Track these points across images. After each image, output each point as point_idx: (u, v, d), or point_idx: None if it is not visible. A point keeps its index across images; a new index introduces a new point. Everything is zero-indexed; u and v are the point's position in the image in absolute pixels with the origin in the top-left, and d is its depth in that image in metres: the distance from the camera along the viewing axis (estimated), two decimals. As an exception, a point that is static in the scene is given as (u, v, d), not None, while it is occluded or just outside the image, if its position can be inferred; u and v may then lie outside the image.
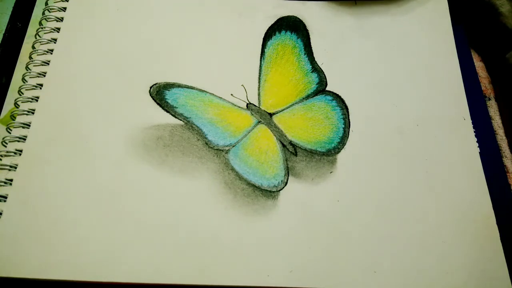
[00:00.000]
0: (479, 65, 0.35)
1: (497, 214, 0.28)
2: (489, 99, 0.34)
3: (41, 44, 0.33)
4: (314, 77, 0.32)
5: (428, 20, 0.35)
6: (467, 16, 0.36)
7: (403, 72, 0.33)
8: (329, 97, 0.32)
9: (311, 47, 0.33)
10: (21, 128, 0.30)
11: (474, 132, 0.31)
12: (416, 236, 0.28)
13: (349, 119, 0.31)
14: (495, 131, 0.32)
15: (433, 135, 0.31)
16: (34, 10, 0.35)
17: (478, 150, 0.30)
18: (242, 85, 0.32)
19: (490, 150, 0.31)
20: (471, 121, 0.31)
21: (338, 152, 0.30)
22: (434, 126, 0.31)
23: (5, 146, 0.29)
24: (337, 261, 0.27)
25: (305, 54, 0.33)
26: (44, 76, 0.31)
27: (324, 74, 0.33)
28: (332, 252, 0.27)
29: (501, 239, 0.28)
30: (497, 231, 0.28)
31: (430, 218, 0.28)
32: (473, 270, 0.27)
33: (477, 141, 0.31)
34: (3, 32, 0.34)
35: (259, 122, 0.31)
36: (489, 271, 0.27)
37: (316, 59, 0.33)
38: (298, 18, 0.34)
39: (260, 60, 0.33)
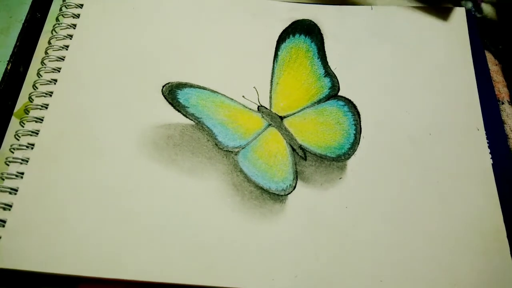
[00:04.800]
0: (494, 69, 0.35)
1: (507, 227, 0.28)
2: (502, 103, 0.33)
3: (57, 40, 0.33)
4: (326, 82, 0.32)
5: (444, 27, 0.35)
6: (485, 21, 0.36)
7: (417, 79, 0.33)
8: (341, 102, 0.32)
9: (324, 51, 0.33)
10: (34, 122, 0.30)
11: (488, 142, 0.31)
12: (424, 246, 0.27)
13: (360, 125, 0.31)
14: (507, 135, 0.32)
15: (446, 145, 0.30)
16: (51, 6, 0.35)
17: (491, 161, 0.30)
18: (254, 87, 0.32)
19: (504, 162, 0.30)
20: (484, 132, 0.31)
21: (348, 158, 0.30)
22: (446, 135, 0.31)
23: (18, 140, 0.29)
24: (343, 268, 0.27)
25: (318, 58, 0.33)
26: (59, 71, 0.32)
27: (337, 79, 0.32)
28: (338, 258, 0.27)
29: (511, 253, 0.27)
30: (507, 244, 0.28)
31: (438, 229, 0.28)
32: (481, 283, 0.27)
33: (490, 152, 0.30)
34: (23, 21, 0.34)
35: (270, 125, 0.31)
36: (498, 285, 0.27)
37: (329, 64, 0.33)
38: (313, 22, 0.34)
39: (273, 63, 0.33)
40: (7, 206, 0.27)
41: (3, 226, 0.27)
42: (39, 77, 0.32)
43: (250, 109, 0.31)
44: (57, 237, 0.27)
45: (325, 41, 0.34)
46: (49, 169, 0.28)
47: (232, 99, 0.31)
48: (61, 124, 0.30)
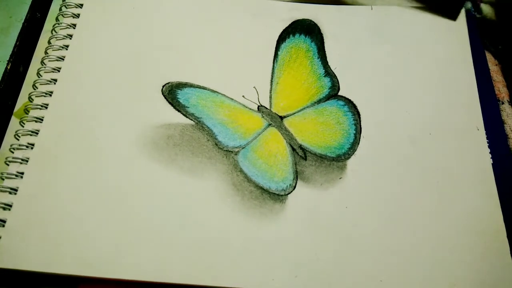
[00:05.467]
0: (494, 69, 0.35)
1: (507, 227, 0.28)
2: (502, 103, 0.33)
3: (56, 40, 0.33)
4: (326, 82, 0.32)
5: (444, 27, 0.35)
6: (485, 21, 0.36)
7: (417, 79, 0.33)
8: (341, 102, 0.32)
9: (324, 51, 0.33)
10: (34, 122, 0.30)
11: (488, 142, 0.31)
12: (424, 247, 0.27)
13: (360, 125, 0.31)
14: (507, 135, 0.32)
15: (446, 145, 0.30)
16: (51, 6, 0.35)
17: (491, 161, 0.30)
18: (254, 87, 0.32)
19: (504, 162, 0.31)
20: (484, 131, 0.31)
21: (348, 158, 0.30)
22: (446, 135, 0.31)
23: (18, 139, 0.29)
24: (343, 268, 0.27)
25: (318, 58, 0.33)
26: (59, 71, 0.32)
27: (337, 79, 0.32)
28: (338, 258, 0.27)
29: (511, 253, 0.27)
30: (507, 244, 0.28)
31: (438, 229, 0.28)
32: (481, 283, 0.27)
33: (490, 152, 0.30)
34: (22, 21, 0.34)
35: (270, 124, 0.31)
36: (498, 285, 0.27)
37: (329, 63, 0.33)
38: (313, 22, 0.34)
39: (273, 63, 0.33)
40: (7, 206, 0.27)
41: (3, 226, 0.27)
42: (39, 77, 0.32)
43: (250, 109, 0.31)
44: (57, 237, 0.27)
45: (325, 41, 0.34)
46: (49, 169, 0.28)
47: (232, 99, 0.31)
48: (61, 124, 0.30)
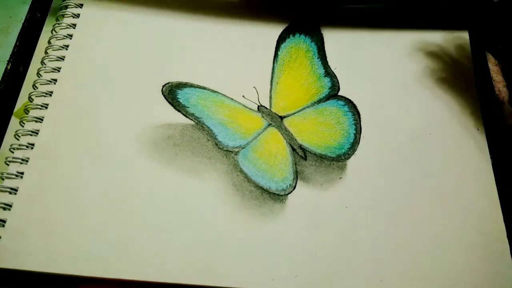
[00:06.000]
0: (494, 69, 0.35)
1: (507, 227, 0.28)
2: (503, 103, 0.33)
3: (57, 40, 0.33)
4: (326, 82, 0.32)
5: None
6: (483, 19, 0.36)
7: (417, 79, 0.33)
8: (341, 102, 0.32)
9: (325, 51, 0.33)
10: (34, 122, 0.30)
11: (488, 142, 0.31)
12: (424, 246, 0.27)
13: (360, 125, 0.31)
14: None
15: (446, 145, 0.30)
16: (51, 6, 0.35)
17: (490, 161, 0.30)
18: (254, 87, 0.32)
19: (504, 162, 0.31)
20: (484, 131, 0.31)
21: (348, 158, 0.30)
22: (447, 135, 0.31)
23: (18, 139, 0.29)
24: (343, 268, 0.27)
25: (318, 58, 0.33)
26: (59, 71, 0.32)
27: (337, 79, 0.32)
28: (338, 258, 0.27)
29: (511, 253, 0.27)
30: (507, 244, 0.28)
31: (439, 229, 0.28)
32: (481, 283, 0.27)
33: (490, 152, 0.30)
34: (22, 21, 0.34)
35: (270, 124, 0.31)
36: (498, 285, 0.27)
37: (329, 64, 0.33)
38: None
39: (273, 63, 0.33)
40: (7, 206, 0.27)
41: (3, 226, 0.27)
42: (39, 77, 0.32)
43: (250, 109, 0.31)
44: (57, 237, 0.26)
45: (325, 41, 0.34)
46: (49, 169, 0.28)
47: (232, 99, 0.31)
48: (61, 124, 0.30)
